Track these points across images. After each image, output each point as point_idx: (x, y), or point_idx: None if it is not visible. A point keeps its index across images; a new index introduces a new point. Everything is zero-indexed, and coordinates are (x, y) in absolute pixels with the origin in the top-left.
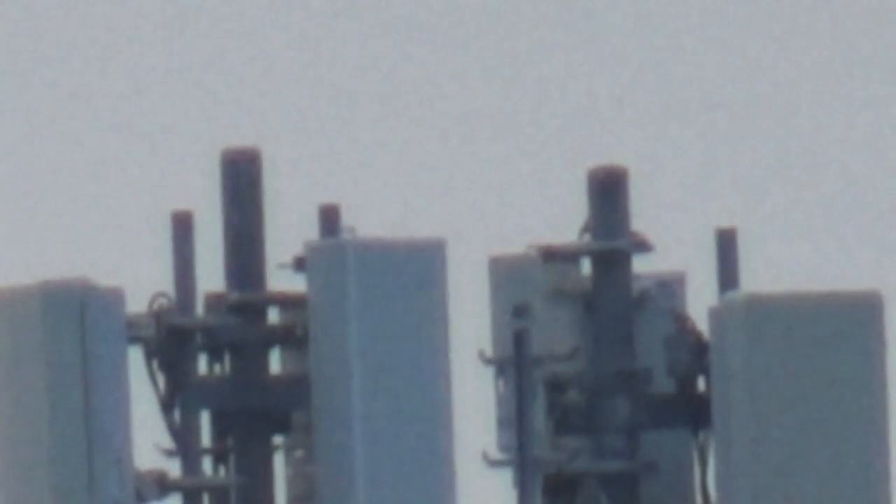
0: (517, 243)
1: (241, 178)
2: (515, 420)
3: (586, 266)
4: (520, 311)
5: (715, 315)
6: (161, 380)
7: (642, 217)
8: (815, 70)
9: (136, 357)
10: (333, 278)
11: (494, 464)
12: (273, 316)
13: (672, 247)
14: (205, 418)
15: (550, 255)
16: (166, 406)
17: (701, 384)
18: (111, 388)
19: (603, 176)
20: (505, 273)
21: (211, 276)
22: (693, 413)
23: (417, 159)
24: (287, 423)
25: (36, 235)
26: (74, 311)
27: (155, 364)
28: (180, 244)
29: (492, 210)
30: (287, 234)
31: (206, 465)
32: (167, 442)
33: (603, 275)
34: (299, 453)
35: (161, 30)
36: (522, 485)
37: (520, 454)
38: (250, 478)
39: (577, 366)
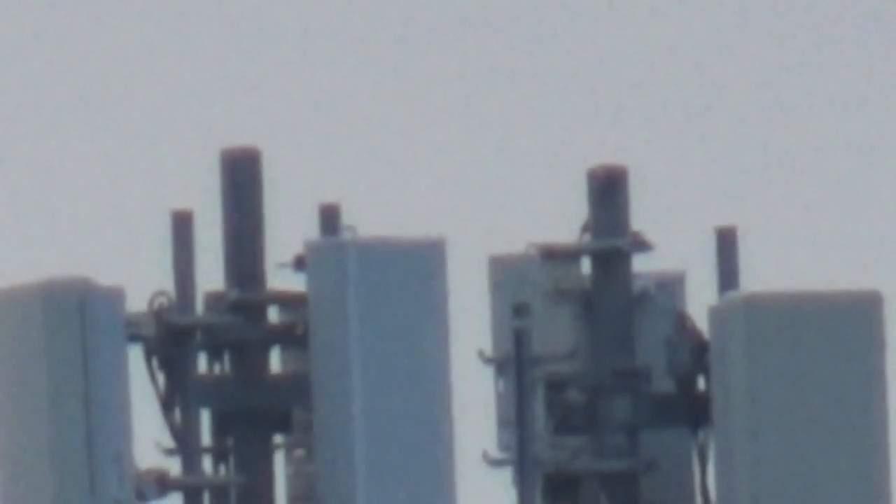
0: (517, 243)
1: (241, 178)
2: (515, 420)
3: (586, 266)
4: (520, 311)
5: (715, 315)
6: (161, 379)
7: (642, 217)
8: (815, 70)
9: (136, 356)
10: (333, 278)
11: (494, 463)
12: (273, 315)
13: (672, 247)
14: (205, 417)
15: (550, 255)
16: (166, 405)
17: (701, 384)
18: (111, 387)
19: (603, 176)
20: (505, 273)
21: (211, 275)
22: (693, 413)
23: (417, 159)
24: (287, 423)
25: (36, 235)
26: (74, 311)
27: (155, 363)
28: (180, 244)
29: (492, 210)
30: (287, 233)
31: (207, 463)
32: (167, 441)
33: (603, 274)
34: (299, 453)
35: (162, 30)
36: (522, 484)
37: (520, 454)
38: (250, 477)
39: (577, 365)
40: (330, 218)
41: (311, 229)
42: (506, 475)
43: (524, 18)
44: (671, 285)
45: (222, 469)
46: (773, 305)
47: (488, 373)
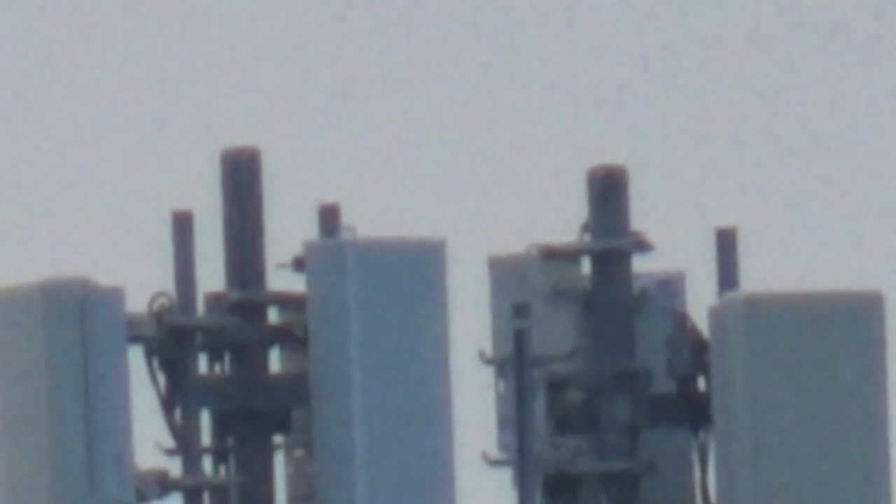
0: (517, 243)
1: (241, 178)
2: (515, 420)
3: (586, 266)
4: (520, 311)
5: (715, 315)
6: (161, 379)
7: (642, 217)
8: (815, 70)
9: (136, 357)
10: (333, 278)
11: (494, 464)
12: (273, 316)
13: (672, 247)
14: (205, 418)
15: (550, 255)
16: (167, 405)
17: (701, 384)
18: (111, 388)
19: (603, 176)
20: (505, 273)
21: (211, 275)
22: (693, 413)
23: (418, 159)
24: (287, 423)
25: (36, 235)
26: (74, 311)
27: (155, 363)
28: (180, 244)
29: (492, 210)
30: (287, 234)
31: (207, 464)
32: (168, 441)
33: (603, 275)
34: (299, 453)
35: (162, 29)
36: (522, 485)
37: (520, 454)
38: (250, 477)
39: (577, 366)
40: (330, 218)
41: (310, 229)
42: (506, 475)
43: (524, 18)
44: (671, 285)
45: (222, 469)
46: (773, 305)
47: (488, 373)
